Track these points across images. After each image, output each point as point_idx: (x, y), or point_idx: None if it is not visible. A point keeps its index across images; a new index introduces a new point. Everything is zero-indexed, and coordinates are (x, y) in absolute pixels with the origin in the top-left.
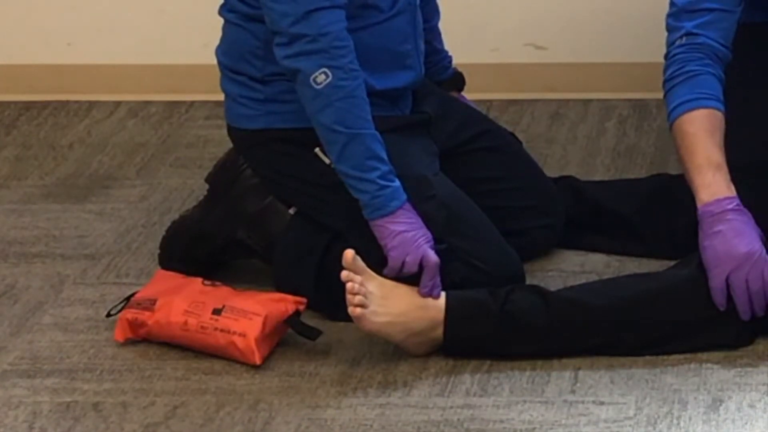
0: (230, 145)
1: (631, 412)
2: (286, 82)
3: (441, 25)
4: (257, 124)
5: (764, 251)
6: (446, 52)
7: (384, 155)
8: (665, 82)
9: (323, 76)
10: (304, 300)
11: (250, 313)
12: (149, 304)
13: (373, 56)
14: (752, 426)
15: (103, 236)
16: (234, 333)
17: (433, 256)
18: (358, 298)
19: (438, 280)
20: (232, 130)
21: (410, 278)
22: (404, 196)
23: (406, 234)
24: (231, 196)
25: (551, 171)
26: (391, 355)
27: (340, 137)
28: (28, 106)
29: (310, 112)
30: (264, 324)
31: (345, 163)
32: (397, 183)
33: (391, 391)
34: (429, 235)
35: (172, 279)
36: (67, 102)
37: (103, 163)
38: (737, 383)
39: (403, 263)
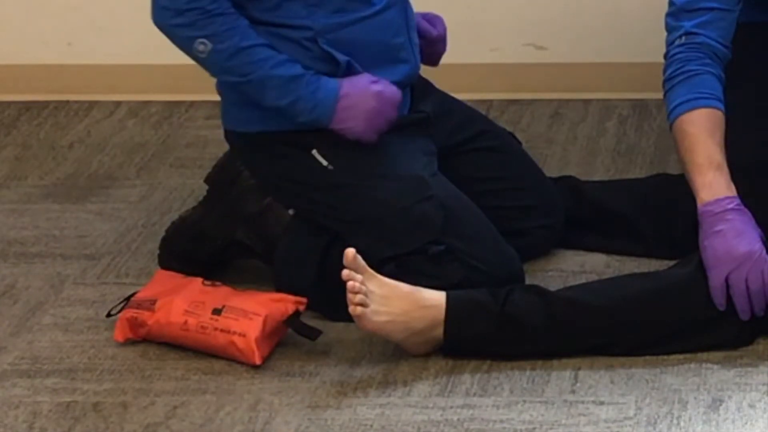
0: None
1: (631, 412)
2: None
3: None
4: (253, 127)
5: (764, 251)
6: None
7: (294, 67)
8: (665, 81)
9: (202, 46)
10: (304, 300)
11: (250, 313)
12: (149, 305)
13: (367, 51)
14: (752, 426)
15: (103, 236)
16: (234, 333)
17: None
18: (359, 297)
19: None
20: (228, 134)
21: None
22: (334, 84)
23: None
24: (230, 197)
25: (551, 171)
26: (391, 355)
27: (252, 86)
28: (28, 106)
29: (216, 78)
30: (264, 324)
31: (272, 101)
32: (320, 80)
33: (391, 391)
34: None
35: (172, 279)
36: (67, 102)
37: (103, 163)
38: (737, 383)
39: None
